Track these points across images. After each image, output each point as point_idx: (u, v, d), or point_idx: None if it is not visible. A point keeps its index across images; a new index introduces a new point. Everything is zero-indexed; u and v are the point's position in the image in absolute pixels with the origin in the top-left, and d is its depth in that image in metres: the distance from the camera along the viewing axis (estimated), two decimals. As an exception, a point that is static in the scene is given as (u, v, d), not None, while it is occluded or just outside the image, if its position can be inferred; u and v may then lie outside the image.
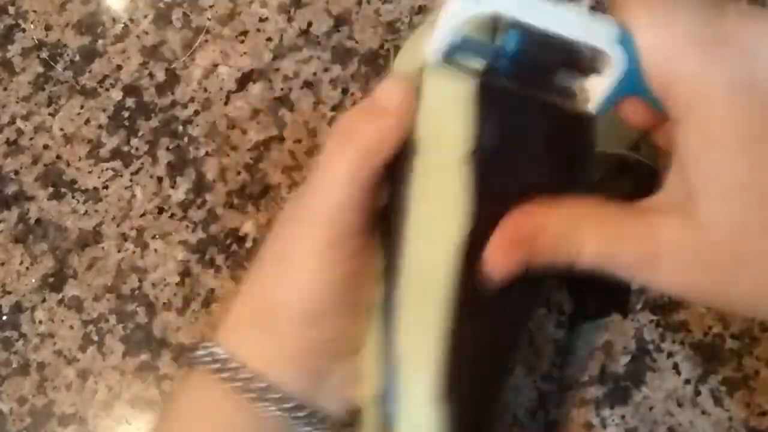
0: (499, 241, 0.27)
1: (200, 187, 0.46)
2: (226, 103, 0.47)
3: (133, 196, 0.46)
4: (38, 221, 0.47)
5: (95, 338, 0.44)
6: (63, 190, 0.47)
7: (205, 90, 0.47)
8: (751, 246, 0.24)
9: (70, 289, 0.45)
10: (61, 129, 0.48)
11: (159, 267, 0.45)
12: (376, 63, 0.46)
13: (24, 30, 0.50)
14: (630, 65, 0.25)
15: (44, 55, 0.50)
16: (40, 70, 0.49)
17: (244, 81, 0.47)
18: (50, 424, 0.43)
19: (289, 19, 0.48)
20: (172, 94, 0.48)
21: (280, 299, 0.30)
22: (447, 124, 0.28)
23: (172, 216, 0.45)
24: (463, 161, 0.27)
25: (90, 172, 0.47)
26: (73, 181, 0.47)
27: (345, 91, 0.46)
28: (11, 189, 0.47)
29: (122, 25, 0.49)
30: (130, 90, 0.48)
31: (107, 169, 0.47)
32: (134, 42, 0.49)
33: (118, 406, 0.43)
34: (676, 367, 0.39)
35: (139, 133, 0.47)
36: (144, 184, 0.46)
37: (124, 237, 0.45)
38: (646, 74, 0.25)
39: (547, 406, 0.39)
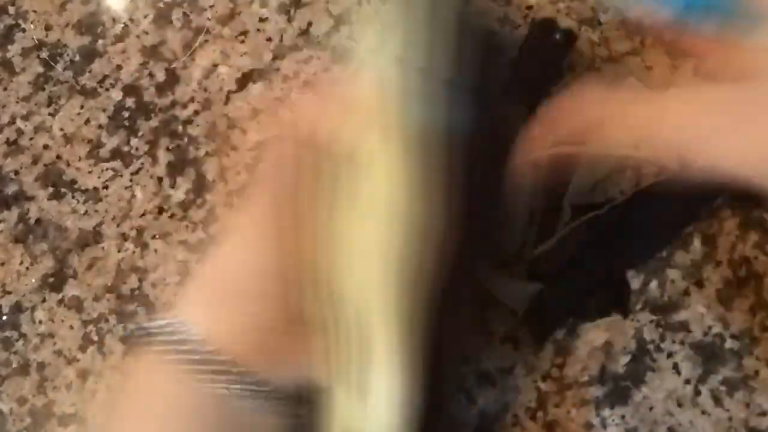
0: (538, 122, 0.28)
1: (200, 187, 0.46)
2: (226, 103, 0.47)
3: (133, 196, 0.46)
4: (38, 221, 0.47)
5: (95, 338, 0.44)
6: (63, 190, 0.47)
7: (205, 90, 0.47)
8: None
9: (70, 289, 0.45)
10: (61, 129, 0.48)
11: (159, 267, 0.45)
12: (376, 63, 0.46)
13: (24, 30, 0.50)
14: None
15: (44, 55, 0.50)
16: (40, 70, 0.49)
17: (244, 81, 0.47)
18: (50, 424, 0.43)
19: (289, 19, 0.48)
20: (172, 94, 0.48)
21: (229, 283, 0.31)
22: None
23: (172, 216, 0.45)
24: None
25: (90, 172, 0.47)
26: (73, 181, 0.47)
27: (345, 91, 0.46)
28: (11, 189, 0.47)
29: (122, 25, 0.49)
30: (130, 90, 0.48)
31: (107, 169, 0.47)
32: (134, 42, 0.49)
33: (118, 406, 0.43)
34: (676, 367, 0.39)
35: (139, 133, 0.47)
36: (144, 184, 0.46)
37: (124, 237, 0.45)
38: None
39: (547, 406, 0.39)
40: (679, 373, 0.39)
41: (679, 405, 0.38)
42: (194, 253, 0.44)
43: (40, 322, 0.45)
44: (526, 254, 0.40)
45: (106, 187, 0.47)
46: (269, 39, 0.48)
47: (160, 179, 0.46)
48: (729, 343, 0.39)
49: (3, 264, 0.46)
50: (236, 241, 0.33)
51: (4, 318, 0.45)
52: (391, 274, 0.29)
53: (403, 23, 0.30)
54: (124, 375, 0.35)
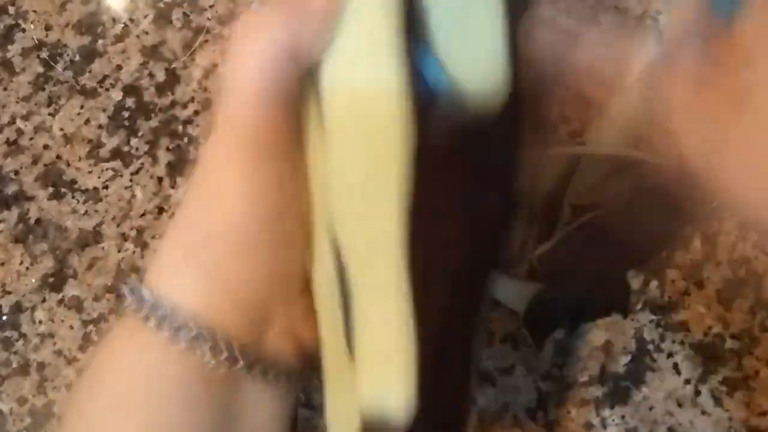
0: None
1: (200, 187, 0.46)
2: (226, 103, 0.47)
3: (133, 196, 0.46)
4: (38, 221, 0.47)
5: (95, 338, 0.44)
6: (63, 190, 0.47)
7: (205, 90, 0.47)
8: None
9: (70, 289, 0.45)
10: (61, 129, 0.48)
11: (159, 267, 0.45)
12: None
13: (24, 30, 0.50)
14: None
15: (44, 55, 0.50)
16: (40, 70, 0.49)
17: (244, 81, 0.47)
18: (50, 424, 0.43)
19: (289, 19, 0.48)
20: (172, 94, 0.48)
21: (210, 229, 0.26)
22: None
23: (172, 216, 0.45)
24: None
25: (90, 172, 0.47)
26: (73, 181, 0.47)
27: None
28: (11, 189, 0.47)
29: (122, 25, 0.49)
30: (130, 90, 0.48)
31: (107, 169, 0.47)
32: (134, 42, 0.49)
33: (118, 406, 0.43)
34: (676, 367, 0.39)
35: (139, 133, 0.47)
36: (144, 184, 0.46)
37: (124, 237, 0.45)
38: None
39: (547, 406, 0.39)
40: (679, 373, 0.39)
41: (679, 405, 0.38)
42: (194, 253, 0.44)
43: (40, 322, 0.45)
44: (526, 254, 0.40)
45: (106, 187, 0.47)
46: (269, 39, 0.48)
47: (160, 179, 0.46)
48: (729, 343, 0.39)
49: (3, 264, 0.46)
50: (215, 176, 0.27)
51: (4, 318, 0.45)
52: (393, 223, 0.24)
53: None
54: (97, 351, 0.29)
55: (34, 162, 0.48)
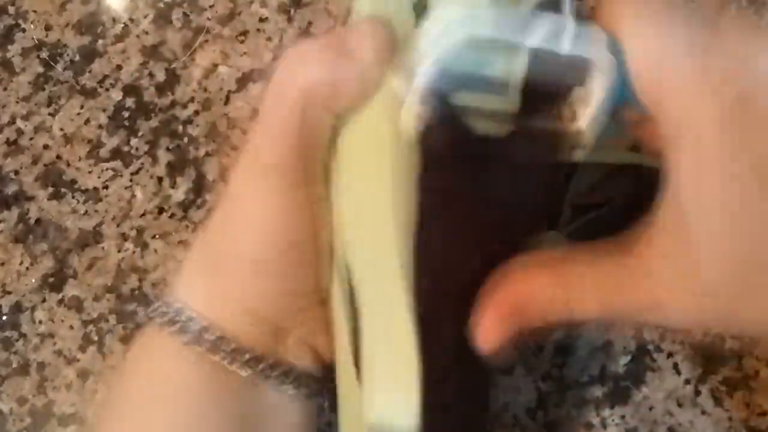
0: (488, 316, 0.25)
1: (200, 187, 0.46)
2: (226, 103, 0.47)
3: (133, 196, 0.46)
4: (38, 221, 0.47)
5: (95, 338, 0.44)
6: (63, 190, 0.47)
7: (205, 90, 0.47)
8: (754, 280, 0.22)
9: (70, 289, 0.45)
10: (61, 129, 0.48)
11: (159, 267, 0.45)
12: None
13: (24, 30, 0.50)
14: (619, 75, 0.23)
15: (44, 55, 0.50)
16: (40, 70, 0.49)
17: (244, 81, 0.47)
18: (50, 424, 0.43)
19: (289, 19, 0.48)
20: (172, 94, 0.48)
21: (232, 248, 0.28)
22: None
23: (172, 216, 0.45)
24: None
25: (90, 172, 0.47)
26: (73, 181, 0.47)
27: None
28: (11, 189, 0.47)
29: (122, 25, 0.49)
30: (130, 90, 0.48)
31: (107, 169, 0.47)
32: (134, 42, 0.49)
33: (118, 406, 0.43)
34: (676, 367, 0.39)
35: (139, 133, 0.47)
36: (144, 184, 0.46)
37: (124, 237, 0.45)
38: (636, 85, 0.23)
39: (547, 406, 0.39)
40: (679, 373, 0.39)
41: (679, 405, 0.38)
42: (194, 253, 0.44)
43: (40, 322, 0.45)
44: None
45: (106, 187, 0.47)
46: (269, 39, 0.48)
47: (160, 179, 0.46)
48: (729, 343, 0.39)
49: (3, 264, 0.46)
50: (240, 200, 0.28)
51: (4, 318, 0.45)
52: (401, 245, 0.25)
53: None
54: (124, 358, 0.31)
55: (34, 162, 0.48)
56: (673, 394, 0.38)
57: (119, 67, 0.49)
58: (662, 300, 0.23)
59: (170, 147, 0.47)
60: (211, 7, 0.49)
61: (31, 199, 0.47)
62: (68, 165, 0.47)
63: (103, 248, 0.45)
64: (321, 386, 0.30)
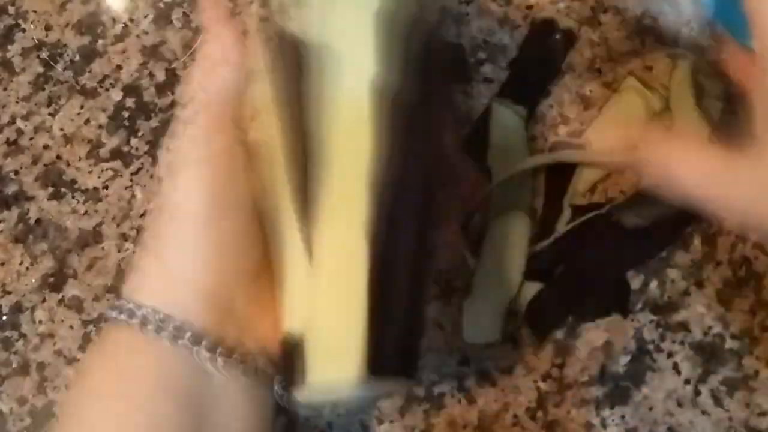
0: None
1: (200, 187, 0.46)
2: (226, 103, 0.47)
3: (133, 196, 0.46)
4: (38, 221, 0.47)
5: (95, 338, 0.44)
6: (63, 190, 0.47)
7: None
8: None
9: (70, 289, 0.45)
10: (61, 129, 0.48)
11: (159, 267, 0.44)
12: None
13: (24, 30, 0.50)
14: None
15: (44, 55, 0.50)
16: (40, 70, 0.49)
17: (244, 81, 0.47)
18: (50, 424, 0.43)
19: (289, 19, 0.48)
20: (172, 94, 0.48)
21: (171, 233, 0.31)
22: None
23: (172, 216, 0.45)
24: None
25: (90, 172, 0.47)
26: (73, 181, 0.47)
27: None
28: (11, 189, 0.47)
29: (122, 25, 0.49)
30: (130, 90, 0.48)
31: (107, 169, 0.47)
32: (134, 42, 0.49)
33: (118, 406, 0.42)
34: (676, 367, 0.39)
35: (139, 133, 0.47)
36: (144, 184, 0.46)
37: (124, 237, 0.45)
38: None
39: (547, 406, 0.39)
40: (679, 373, 0.39)
41: (679, 405, 0.38)
42: (194, 253, 0.44)
43: (40, 322, 0.45)
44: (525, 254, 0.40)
45: (106, 187, 0.47)
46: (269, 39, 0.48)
47: (160, 179, 0.46)
48: (729, 343, 0.39)
49: (3, 264, 0.46)
50: (170, 189, 0.32)
51: (4, 318, 0.45)
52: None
53: None
54: (89, 352, 0.33)
55: (34, 162, 0.48)
56: (673, 394, 0.38)
57: (119, 67, 0.49)
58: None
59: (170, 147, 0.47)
60: (211, 7, 0.49)
61: (31, 199, 0.47)
62: (68, 165, 0.47)
63: (103, 248, 0.45)
64: (272, 375, 0.31)
